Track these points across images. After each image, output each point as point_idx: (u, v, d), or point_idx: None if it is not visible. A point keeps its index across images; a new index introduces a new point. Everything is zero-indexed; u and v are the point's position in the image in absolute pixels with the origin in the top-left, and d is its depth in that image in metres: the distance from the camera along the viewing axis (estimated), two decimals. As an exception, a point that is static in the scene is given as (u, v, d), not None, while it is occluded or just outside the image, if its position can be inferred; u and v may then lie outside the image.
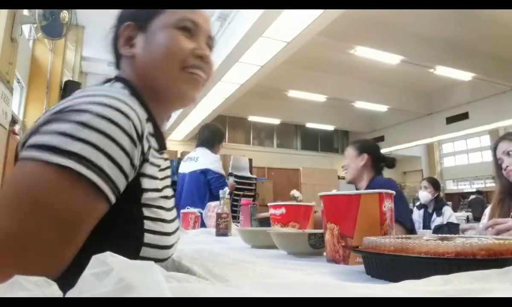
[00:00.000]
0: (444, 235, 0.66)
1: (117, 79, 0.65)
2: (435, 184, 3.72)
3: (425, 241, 0.55)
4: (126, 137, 0.50)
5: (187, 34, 0.66)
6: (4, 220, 0.41)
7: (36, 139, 0.46)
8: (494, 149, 1.60)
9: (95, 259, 0.29)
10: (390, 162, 2.08)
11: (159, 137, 0.64)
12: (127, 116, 0.50)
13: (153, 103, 0.64)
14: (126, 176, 0.50)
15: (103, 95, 0.51)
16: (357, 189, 2.00)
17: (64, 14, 4.19)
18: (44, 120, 0.48)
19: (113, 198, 0.49)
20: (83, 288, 0.27)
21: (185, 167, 2.73)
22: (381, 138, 12.41)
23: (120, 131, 0.49)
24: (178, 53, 0.64)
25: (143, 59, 0.65)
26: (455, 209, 7.13)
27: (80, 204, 0.45)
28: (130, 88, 0.62)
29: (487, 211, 1.65)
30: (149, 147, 0.57)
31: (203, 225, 2.05)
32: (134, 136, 0.51)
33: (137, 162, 0.52)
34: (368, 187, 1.92)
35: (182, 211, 2.06)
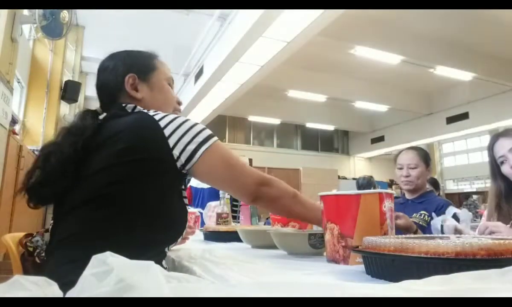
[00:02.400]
0: (444, 235, 0.66)
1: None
2: (434, 183, 3.72)
3: (425, 241, 0.55)
4: None
5: (170, 87, 1.02)
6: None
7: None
8: (491, 147, 1.46)
9: (95, 259, 0.29)
10: None
11: None
12: None
13: None
14: None
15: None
16: (406, 197, 1.93)
17: (64, 14, 4.19)
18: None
19: None
20: (83, 288, 0.27)
21: (203, 184, 3.49)
22: (381, 138, 12.40)
23: None
24: (172, 100, 1.00)
25: (150, 102, 0.94)
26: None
27: None
28: None
29: (485, 212, 1.56)
30: None
31: (203, 225, 2.05)
32: None
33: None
34: (424, 201, 1.85)
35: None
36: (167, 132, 0.80)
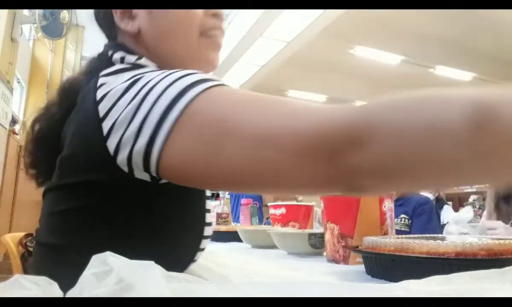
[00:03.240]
0: (444, 235, 0.66)
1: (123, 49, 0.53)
2: (434, 183, 3.73)
3: (425, 241, 0.55)
4: None
5: None
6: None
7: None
8: None
9: (95, 259, 0.29)
10: None
11: None
12: None
13: None
14: None
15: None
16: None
17: (64, 14, 4.19)
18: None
19: None
20: (83, 288, 0.27)
21: None
22: (381, 138, 12.40)
23: None
24: (193, 17, 0.54)
25: (153, 33, 0.54)
26: (456, 208, 7.15)
27: None
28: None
29: (485, 213, 1.58)
30: None
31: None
32: None
33: None
34: (404, 203, 1.82)
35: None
36: (105, 127, 0.41)
